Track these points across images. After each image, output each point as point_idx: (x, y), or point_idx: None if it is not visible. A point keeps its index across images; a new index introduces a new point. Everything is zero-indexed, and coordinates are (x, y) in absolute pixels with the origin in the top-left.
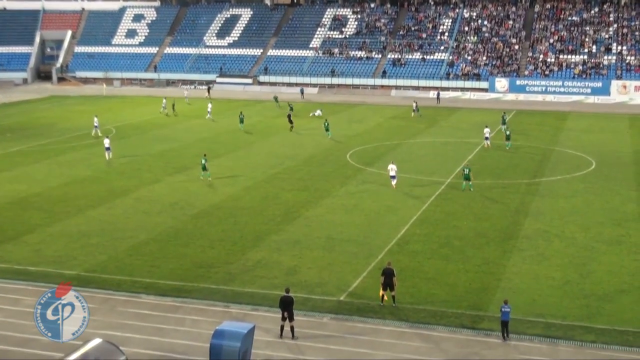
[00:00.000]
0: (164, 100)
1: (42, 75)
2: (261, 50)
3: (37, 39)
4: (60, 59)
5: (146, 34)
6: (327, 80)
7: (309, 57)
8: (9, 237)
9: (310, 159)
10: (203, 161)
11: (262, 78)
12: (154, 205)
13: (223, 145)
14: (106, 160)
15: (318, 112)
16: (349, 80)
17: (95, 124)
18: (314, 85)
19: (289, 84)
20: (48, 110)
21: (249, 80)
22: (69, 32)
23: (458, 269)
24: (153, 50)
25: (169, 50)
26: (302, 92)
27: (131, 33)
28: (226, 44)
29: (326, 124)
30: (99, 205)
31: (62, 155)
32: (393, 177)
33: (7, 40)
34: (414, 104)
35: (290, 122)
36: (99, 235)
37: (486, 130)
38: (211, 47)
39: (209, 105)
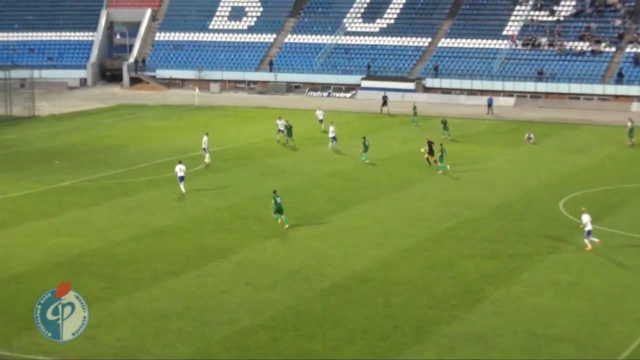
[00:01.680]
0: (279, 122)
1: (108, 74)
2: (429, 40)
3: (102, 22)
4: (135, 51)
5: (258, 14)
6: (530, 87)
7: (501, 50)
8: None
9: (502, 209)
10: (278, 199)
11: (429, 82)
12: (265, 274)
13: (368, 184)
14: (181, 193)
15: (529, 136)
16: (563, 87)
17: (204, 146)
18: (509, 94)
19: (471, 91)
20: (115, 127)
21: (410, 85)
22: (148, 12)
23: None
24: (268, 38)
25: (291, 38)
26: (489, 104)
27: (237, 13)
28: (377, 30)
29: (365, 142)
30: (184, 271)
31: (133, 194)
32: (589, 232)
33: (60, 24)
34: (629, 125)
35: (431, 151)
36: (182, 317)
37: None
38: (354, 34)
39: (331, 128)
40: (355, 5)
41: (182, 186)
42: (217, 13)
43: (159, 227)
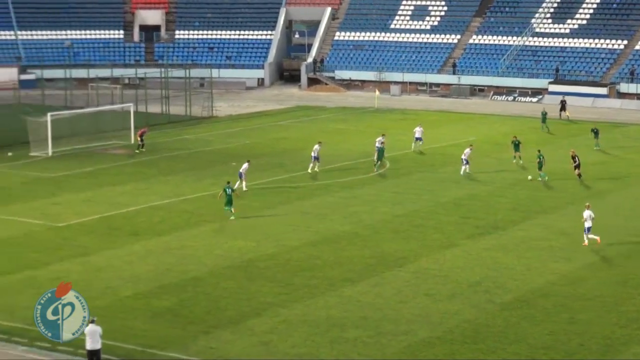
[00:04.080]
0: (316, 147)
1: (286, 74)
2: (625, 42)
3: (281, 21)
4: (314, 51)
5: (442, 13)
6: None
7: None
8: (227, 320)
9: None
10: (229, 191)
11: (623, 87)
12: (444, 285)
13: (553, 194)
14: (238, 189)
15: None
16: None
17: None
18: None
19: None
20: (291, 129)
21: (603, 90)
22: (328, 11)
23: None
24: (452, 39)
25: (475, 39)
26: None
27: (420, 13)
28: (567, 31)
29: (540, 156)
30: (360, 279)
31: (309, 198)
32: (588, 229)
33: (239, 23)
34: None
35: (577, 165)
36: (357, 325)
37: None
38: (543, 35)
39: (466, 150)
40: (544, 4)
41: (241, 184)
42: (399, 12)
43: (336, 233)
